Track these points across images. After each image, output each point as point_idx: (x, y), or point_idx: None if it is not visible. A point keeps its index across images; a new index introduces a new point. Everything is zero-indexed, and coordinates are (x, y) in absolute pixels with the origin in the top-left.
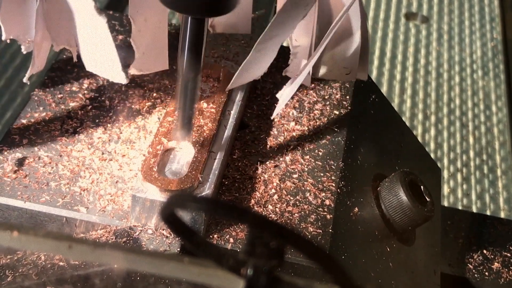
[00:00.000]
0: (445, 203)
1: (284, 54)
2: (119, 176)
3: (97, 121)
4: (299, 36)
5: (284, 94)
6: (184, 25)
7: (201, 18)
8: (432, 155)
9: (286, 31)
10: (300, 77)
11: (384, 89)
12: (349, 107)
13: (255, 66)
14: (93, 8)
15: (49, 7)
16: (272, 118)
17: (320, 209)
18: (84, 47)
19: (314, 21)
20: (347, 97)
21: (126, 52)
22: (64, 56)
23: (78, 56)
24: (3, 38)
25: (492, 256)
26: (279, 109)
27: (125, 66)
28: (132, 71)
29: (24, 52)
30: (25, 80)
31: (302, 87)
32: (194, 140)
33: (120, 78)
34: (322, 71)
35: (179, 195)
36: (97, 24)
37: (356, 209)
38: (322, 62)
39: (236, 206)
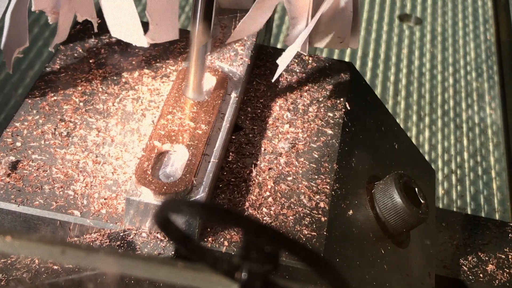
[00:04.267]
0: (440, 205)
1: (278, 56)
2: (113, 179)
3: (90, 124)
4: (297, 7)
5: (283, 59)
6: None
7: None
8: (426, 157)
9: None
10: (297, 43)
11: (378, 91)
12: (343, 109)
13: (253, 22)
14: None
15: None
16: (272, 81)
17: (315, 211)
18: (109, 15)
19: None
20: (341, 99)
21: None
22: (58, 59)
23: (98, 27)
24: (33, 9)
25: (486, 258)
26: (278, 73)
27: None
28: (147, 40)
29: (51, 23)
30: (50, 49)
31: (297, 89)
32: (189, 143)
33: (142, 42)
34: (318, 40)
35: (173, 199)
36: None
37: (351, 211)
38: (317, 31)
39: (231, 211)
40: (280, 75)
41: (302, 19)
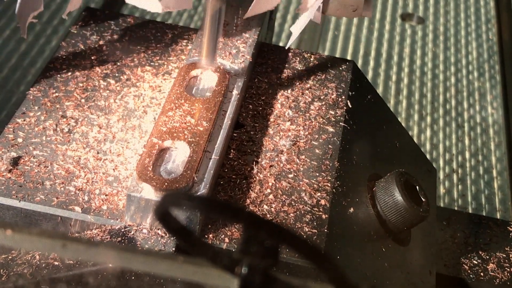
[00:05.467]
0: (441, 204)
1: (280, 54)
2: (114, 175)
3: (92, 120)
4: None
5: (297, 27)
6: None
7: None
8: (428, 156)
9: None
10: (310, 12)
11: (380, 90)
12: (345, 107)
13: None
14: None
15: None
16: (286, 47)
17: (316, 209)
18: None
19: None
20: (343, 97)
21: None
22: (60, 56)
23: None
24: None
25: (487, 257)
26: (292, 40)
27: None
28: (161, 7)
29: None
30: (64, 16)
31: (299, 87)
32: (190, 140)
33: (156, 8)
34: (331, 8)
35: (174, 193)
36: None
37: (352, 209)
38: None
39: (231, 205)
40: (282, 72)
41: None
